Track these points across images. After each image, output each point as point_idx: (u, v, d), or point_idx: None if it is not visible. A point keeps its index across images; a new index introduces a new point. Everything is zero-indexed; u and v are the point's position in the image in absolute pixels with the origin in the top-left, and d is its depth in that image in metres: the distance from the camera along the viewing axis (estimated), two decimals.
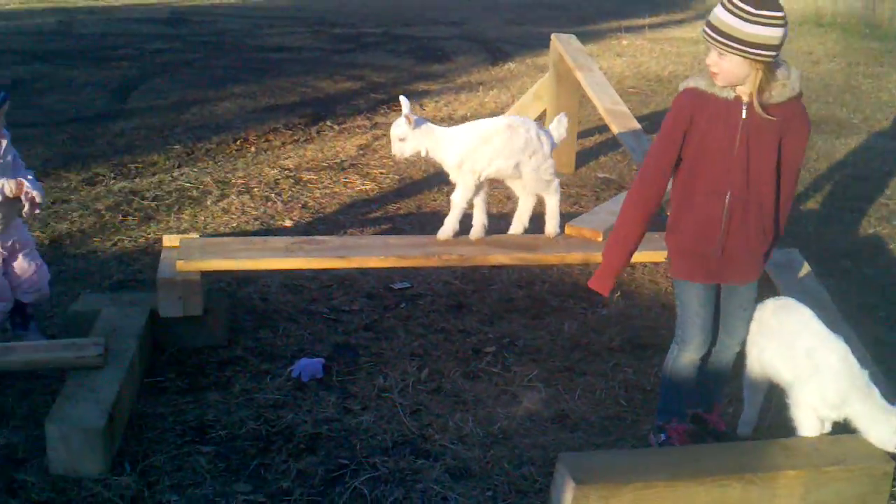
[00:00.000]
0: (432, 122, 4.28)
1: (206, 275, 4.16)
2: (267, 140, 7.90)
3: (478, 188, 4.27)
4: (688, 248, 3.27)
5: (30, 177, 3.90)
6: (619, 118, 6.00)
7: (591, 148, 8.04)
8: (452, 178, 4.27)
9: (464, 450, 3.42)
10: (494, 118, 4.36)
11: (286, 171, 6.95)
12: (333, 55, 12.67)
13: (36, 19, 15.05)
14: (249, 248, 4.34)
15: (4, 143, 3.86)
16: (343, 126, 8.52)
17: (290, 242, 4.37)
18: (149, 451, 3.37)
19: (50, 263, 4.94)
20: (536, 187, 4.35)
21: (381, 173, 6.97)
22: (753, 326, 3.45)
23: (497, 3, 20.53)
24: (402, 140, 4.16)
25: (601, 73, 6.70)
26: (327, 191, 6.51)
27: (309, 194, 6.43)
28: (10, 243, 3.99)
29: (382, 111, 9.26)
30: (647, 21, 16.06)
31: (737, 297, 3.36)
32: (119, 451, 3.34)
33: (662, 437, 3.43)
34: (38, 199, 3.87)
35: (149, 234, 5.54)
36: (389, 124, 8.31)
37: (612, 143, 7.69)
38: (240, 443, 3.44)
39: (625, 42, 14.68)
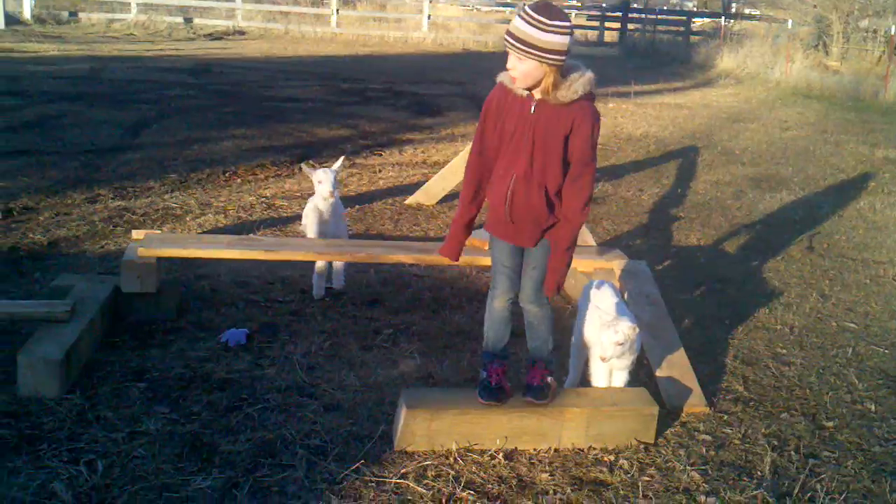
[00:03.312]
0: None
1: (161, 260, 5.14)
2: (253, 174, 8.96)
3: None
4: (492, 212, 3.95)
5: None
6: None
7: None
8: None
9: (340, 393, 4.35)
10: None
11: (263, 198, 8.00)
12: (336, 107, 13.81)
13: (71, 65, 16.41)
14: (199, 242, 5.34)
15: None
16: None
17: (233, 239, 5.37)
18: (96, 384, 4.32)
19: (46, 258, 5.99)
20: None
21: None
22: (580, 302, 4.39)
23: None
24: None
25: None
26: (294, 214, 7.52)
27: (276, 216, 7.45)
28: None
29: (364, 154, 10.32)
30: (635, 88, 17.11)
31: (527, 258, 3.99)
32: (73, 383, 4.29)
33: (484, 374, 4.07)
34: None
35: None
36: (367, 165, 9.38)
37: None
38: (167, 382, 4.38)
39: (611, 105, 15.73)
